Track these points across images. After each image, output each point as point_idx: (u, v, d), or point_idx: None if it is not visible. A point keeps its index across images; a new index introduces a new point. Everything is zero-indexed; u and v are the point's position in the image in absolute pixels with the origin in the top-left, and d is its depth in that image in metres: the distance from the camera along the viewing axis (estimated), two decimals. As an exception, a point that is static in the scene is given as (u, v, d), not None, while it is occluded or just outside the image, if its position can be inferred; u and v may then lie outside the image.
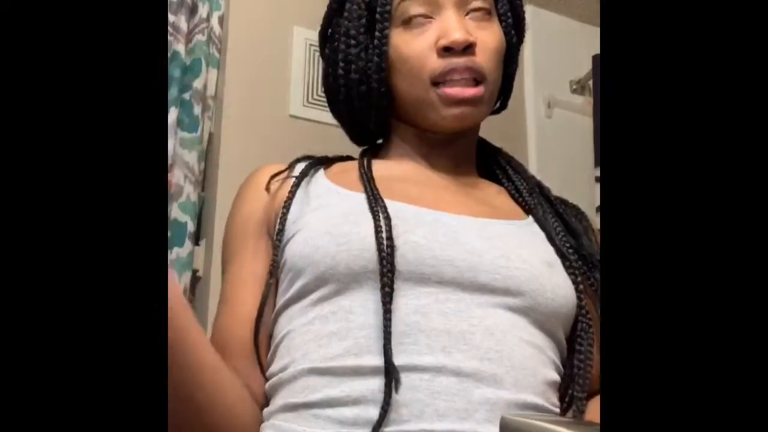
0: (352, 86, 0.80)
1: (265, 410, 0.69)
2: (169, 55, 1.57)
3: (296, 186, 0.77)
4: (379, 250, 0.65)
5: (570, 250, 0.74)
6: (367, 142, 0.88)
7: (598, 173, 2.01)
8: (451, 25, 0.75)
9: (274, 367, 0.69)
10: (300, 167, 0.81)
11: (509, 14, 0.81)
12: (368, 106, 0.81)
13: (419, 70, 0.76)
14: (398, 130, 0.84)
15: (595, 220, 0.86)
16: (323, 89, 0.88)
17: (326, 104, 0.88)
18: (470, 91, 0.75)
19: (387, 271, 0.65)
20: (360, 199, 0.72)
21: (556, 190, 0.86)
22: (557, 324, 0.70)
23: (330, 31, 0.85)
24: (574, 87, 2.26)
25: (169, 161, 1.51)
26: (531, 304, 0.68)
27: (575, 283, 0.72)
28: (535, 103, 2.18)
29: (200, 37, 1.62)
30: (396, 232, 0.67)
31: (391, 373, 0.61)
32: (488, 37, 0.77)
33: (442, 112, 0.76)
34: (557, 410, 0.68)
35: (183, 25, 1.59)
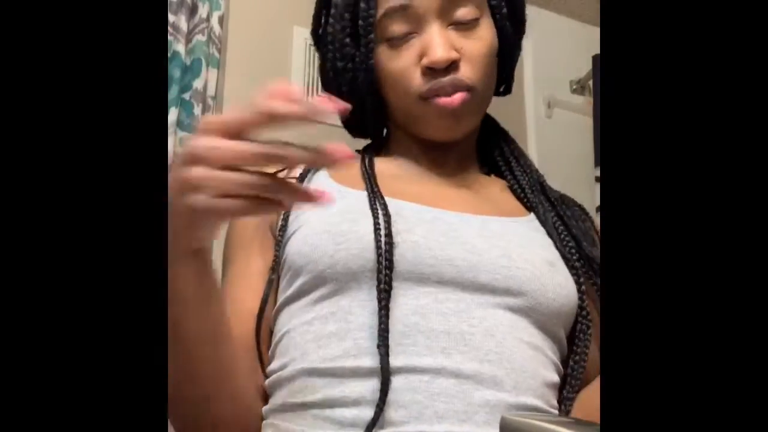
0: (344, 95, 0.79)
1: (264, 408, 0.69)
2: (169, 55, 1.57)
3: (300, 182, 0.76)
4: (377, 247, 0.65)
5: (572, 251, 0.74)
6: (366, 136, 0.87)
7: (598, 173, 2.01)
8: (434, 42, 0.73)
9: (273, 365, 0.69)
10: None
11: (503, 4, 0.79)
12: (362, 112, 0.80)
13: (406, 86, 0.75)
14: (396, 133, 0.83)
15: (595, 220, 0.85)
16: (323, 87, 0.87)
17: (326, 105, 0.87)
18: (458, 98, 0.73)
19: (384, 268, 0.64)
20: (361, 196, 0.72)
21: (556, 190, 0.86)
22: (558, 324, 0.70)
23: (321, 31, 0.83)
24: (574, 87, 2.26)
25: (169, 161, 1.51)
26: (532, 305, 0.67)
27: (577, 283, 0.71)
28: (535, 103, 2.18)
29: (200, 37, 1.62)
30: (395, 230, 0.67)
31: (384, 374, 0.61)
32: (474, 45, 0.75)
33: (434, 123, 0.76)
34: (556, 412, 0.68)
35: (183, 25, 1.59)
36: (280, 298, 0.71)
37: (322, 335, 0.66)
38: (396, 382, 0.62)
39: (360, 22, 0.76)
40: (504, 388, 0.63)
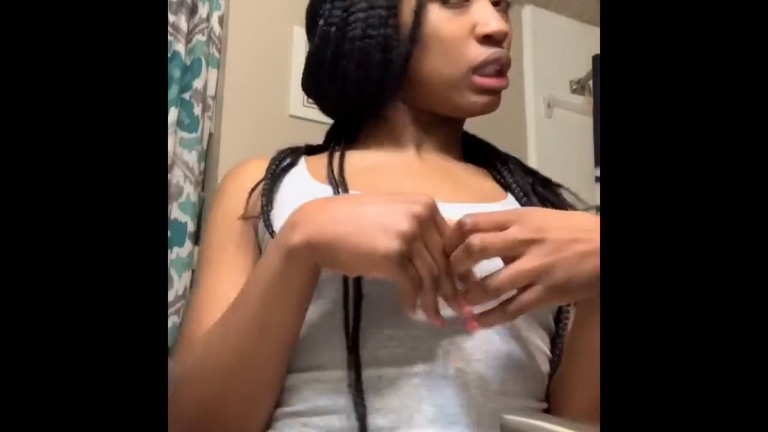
0: (363, 55, 0.74)
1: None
2: (169, 55, 1.57)
3: (272, 179, 0.74)
4: None
5: None
6: (342, 119, 0.84)
7: (598, 173, 2.01)
8: (491, 14, 0.74)
9: None
10: (287, 160, 0.79)
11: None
12: (377, 79, 0.75)
13: (458, 54, 0.74)
14: (390, 111, 0.79)
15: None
16: (307, 60, 0.81)
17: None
18: (503, 82, 0.76)
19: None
20: (328, 192, 0.70)
21: (556, 190, 0.86)
22: (547, 311, 0.70)
23: (331, 4, 0.78)
24: (574, 87, 2.26)
25: (169, 161, 1.51)
26: None
27: None
28: (535, 103, 2.18)
29: (200, 37, 1.62)
30: None
31: (355, 373, 0.60)
32: (509, 27, 0.77)
33: (471, 98, 0.75)
34: (546, 405, 0.67)
35: (183, 25, 1.59)
36: None
37: (308, 341, 0.64)
38: (384, 384, 0.61)
39: None
40: (497, 389, 0.62)
